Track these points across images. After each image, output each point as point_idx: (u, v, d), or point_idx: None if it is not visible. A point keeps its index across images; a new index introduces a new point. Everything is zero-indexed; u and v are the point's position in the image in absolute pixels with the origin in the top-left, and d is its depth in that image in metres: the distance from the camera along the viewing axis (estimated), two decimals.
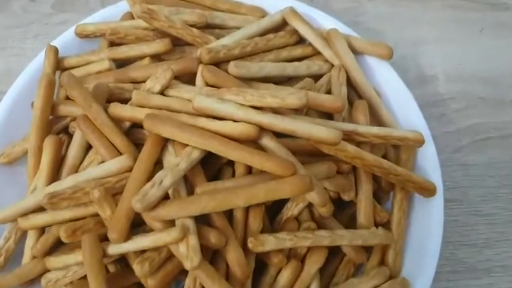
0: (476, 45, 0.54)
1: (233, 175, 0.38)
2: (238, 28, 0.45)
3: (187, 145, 0.35)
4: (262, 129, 0.36)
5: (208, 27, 0.45)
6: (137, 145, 0.39)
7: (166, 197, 0.34)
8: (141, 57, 0.43)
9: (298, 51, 0.45)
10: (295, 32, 0.46)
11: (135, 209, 0.32)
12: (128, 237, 0.34)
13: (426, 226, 0.40)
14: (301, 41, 0.46)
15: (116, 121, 0.38)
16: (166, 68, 0.38)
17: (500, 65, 0.53)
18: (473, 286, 0.43)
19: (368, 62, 0.46)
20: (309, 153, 0.39)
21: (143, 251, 0.34)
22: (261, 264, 0.37)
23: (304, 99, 0.35)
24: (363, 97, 0.43)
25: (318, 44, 0.45)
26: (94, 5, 0.55)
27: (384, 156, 0.42)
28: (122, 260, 0.37)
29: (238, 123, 0.35)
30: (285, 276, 0.37)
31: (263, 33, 0.44)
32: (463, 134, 0.49)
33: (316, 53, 0.46)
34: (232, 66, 0.39)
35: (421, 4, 0.56)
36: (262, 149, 0.36)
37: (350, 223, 0.41)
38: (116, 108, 0.37)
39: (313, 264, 0.37)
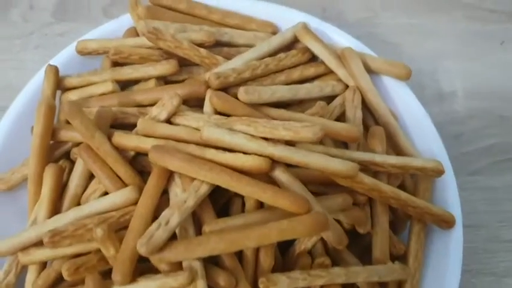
0: (497, 60, 0.51)
1: (243, 205, 0.36)
2: (247, 46, 0.43)
3: (195, 180, 0.34)
4: (274, 161, 0.34)
5: (216, 44, 0.42)
6: (142, 173, 0.37)
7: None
8: (146, 79, 0.40)
9: (310, 70, 0.43)
10: (307, 49, 0.43)
11: (140, 252, 0.30)
12: (133, 278, 0.32)
13: (445, 259, 0.38)
14: (313, 58, 0.44)
15: (121, 150, 0.36)
16: (173, 95, 0.36)
17: None
18: None
19: (384, 81, 0.43)
20: (322, 183, 0.37)
21: None
22: None
23: (320, 133, 0.33)
24: (379, 121, 0.41)
25: (332, 64, 0.42)
26: (96, 13, 0.52)
27: (402, 185, 0.40)
28: None
29: (250, 156, 0.33)
30: None
31: (274, 53, 0.42)
32: (482, 154, 0.47)
33: (330, 72, 0.43)
34: (242, 93, 0.36)
35: (439, 15, 0.53)
36: (274, 181, 0.35)
37: (365, 253, 0.39)
38: (120, 138, 0.35)
39: None
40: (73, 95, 0.41)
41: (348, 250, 0.38)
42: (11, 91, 0.44)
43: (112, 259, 0.33)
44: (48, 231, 0.33)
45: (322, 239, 0.37)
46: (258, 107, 0.38)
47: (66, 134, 0.38)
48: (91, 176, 0.37)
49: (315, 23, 0.45)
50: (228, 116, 0.36)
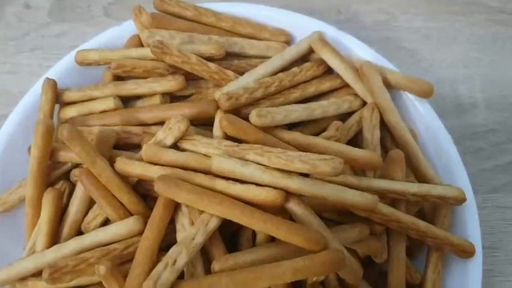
0: None
1: (253, 235, 0.34)
2: (259, 57, 0.40)
3: (203, 213, 0.31)
4: (288, 194, 0.32)
5: (225, 55, 0.40)
6: (146, 196, 0.35)
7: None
8: (151, 95, 0.38)
9: (326, 85, 0.40)
10: (323, 61, 0.40)
11: None
12: None
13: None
14: (329, 69, 0.41)
15: (123, 176, 0.34)
16: (181, 118, 0.33)
17: None
18: None
19: (403, 98, 0.41)
20: (338, 212, 0.35)
21: None
22: None
23: (339, 168, 0.30)
24: (398, 141, 0.39)
25: (350, 78, 0.40)
26: (96, 12, 0.49)
27: (420, 210, 0.38)
28: None
29: (263, 188, 0.31)
30: None
31: (288, 66, 0.39)
32: (502, 171, 0.45)
33: (346, 85, 0.41)
34: (254, 117, 0.34)
35: (461, 18, 0.50)
36: (287, 211, 0.33)
37: (379, 279, 0.37)
38: (124, 165, 0.33)
39: None
40: (72, 111, 0.38)
41: (363, 276, 0.36)
42: (7, 97, 0.41)
43: None
44: (48, 266, 0.31)
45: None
46: (271, 129, 0.35)
47: (65, 155, 0.36)
48: (91, 201, 0.35)
49: (331, 31, 0.42)
50: (239, 140, 0.34)
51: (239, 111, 0.36)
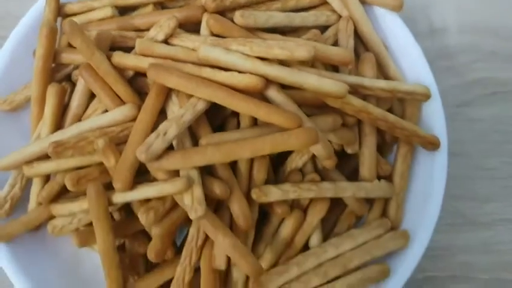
0: None
1: (238, 126, 0.38)
2: None
3: (192, 95, 0.35)
4: (268, 81, 0.35)
5: None
6: (140, 94, 0.38)
7: (170, 148, 0.34)
8: (144, 5, 0.41)
9: (306, 1, 0.43)
10: None
11: (140, 159, 0.32)
12: (132, 186, 0.34)
13: (429, 180, 0.40)
14: None
15: (120, 70, 0.37)
16: (170, 16, 0.37)
17: None
18: (473, 239, 0.44)
19: (376, 12, 0.44)
20: (314, 105, 0.39)
21: (147, 200, 0.35)
22: (263, 214, 0.38)
23: (313, 51, 0.34)
24: (370, 50, 0.42)
25: None
26: None
27: (390, 110, 0.41)
28: (127, 208, 0.38)
29: (245, 75, 0.35)
30: (287, 226, 0.38)
31: None
32: (470, 87, 0.49)
33: (324, 2, 0.44)
34: (238, 16, 0.38)
35: None
36: (268, 101, 0.36)
37: (353, 174, 0.41)
38: (119, 57, 0.37)
39: (316, 215, 0.38)
40: None
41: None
42: (10, 20, 0.44)
43: (112, 169, 0.35)
44: (52, 142, 0.35)
45: (312, 159, 0.39)
46: (253, 32, 0.39)
47: (67, 57, 0.40)
48: (91, 96, 0.39)
49: None
50: (224, 38, 0.37)
51: (224, 15, 0.39)
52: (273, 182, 0.38)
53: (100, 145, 0.34)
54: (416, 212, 0.40)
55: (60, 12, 0.42)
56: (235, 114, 0.38)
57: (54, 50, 0.39)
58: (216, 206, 0.36)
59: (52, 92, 0.38)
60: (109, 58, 0.37)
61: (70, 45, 0.41)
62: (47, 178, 0.38)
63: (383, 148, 0.42)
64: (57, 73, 0.40)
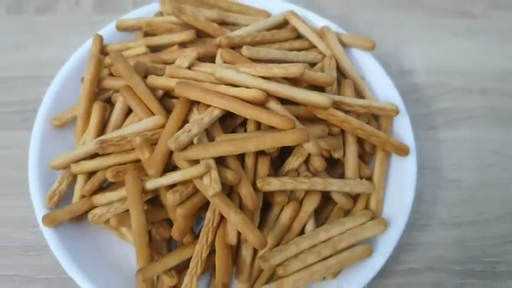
0: (450, 46, 0.64)
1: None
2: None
3: (209, 106, 0.45)
4: (269, 95, 0.45)
5: (223, 23, 0.55)
6: (167, 111, 0.48)
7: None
8: (170, 45, 0.52)
9: (297, 44, 0.55)
10: (294, 29, 0.55)
11: (170, 148, 0.41)
12: (162, 174, 0.43)
13: (402, 180, 0.49)
14: (299, 37, 0.56)
15: (152, 90, 0.47)
16: (193, 49, 0.48)
17: (470, 61, 0.63)
18: (443, 237, 0.51)
19: (353, 53, 0.55)
20: (306, 119, 0.48)
21: (173, 186, 0.43)
22: (266, 205, 0.46)
23: (302, 69, 0.44)
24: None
25: (314, 39, 0.54)
26: (128, 7, 0.65)
27: (367, 124, 0.51)
28: (154, 201, 0.46)
29: (251, 90, 0.44)
30: (286, 214, 0.46)
31: (269, 30, 0.54)
32: (436, 115, 0.59)
33: (312, 47, 0.55)
34: (244, 49, 0.48)
35: (404, 12, 0.66)
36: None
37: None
38: (153, 79, 0.47)
39: (310, 204, 0.46)
40: None
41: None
42: (58, 64, 0.54)
43: (146, 162, 0.43)
44: (98, 139, 0.44)
45: (305, 163, 0.48)
46: (256, 61, 0.49)
47: (108, 83, 0.50)
48: (127, 113, 0.48)
49: (301, 11, 0.57)
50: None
51: (234, 50, 0.50)
52: None
53: (138, 141, 0.43)
54: (393, 206, 0.48)
55: (102, 51, 0.53)
56: (243, 124, 0.47)
57: (99, 78, 0.50)
58: (228, 193, 0.44)
59: (97, 107, 0.48)
60: (144, 81, 0.47)
61: (110, 75, 0.51)
62: (89, 177, 0.47)
63: (364, 158, 0.51)
64: (99, 96, 0.50)
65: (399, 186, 0.49)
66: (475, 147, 0.57)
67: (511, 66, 0.62)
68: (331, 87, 0.50)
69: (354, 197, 0.49)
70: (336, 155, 0.48)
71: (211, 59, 0.50)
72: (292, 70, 0.44)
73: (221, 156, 0.43)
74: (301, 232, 0.46)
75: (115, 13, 0.62)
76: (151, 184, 0.43)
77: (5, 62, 0.61)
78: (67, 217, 0.45)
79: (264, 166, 0.45)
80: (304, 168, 0.48)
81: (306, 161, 0.48)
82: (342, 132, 0.49)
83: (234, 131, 0.47)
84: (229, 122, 0.47)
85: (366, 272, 0.45)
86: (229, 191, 0.44)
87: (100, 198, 0.45)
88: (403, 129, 0.51)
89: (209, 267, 0.45)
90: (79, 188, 0.47)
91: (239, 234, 0.43)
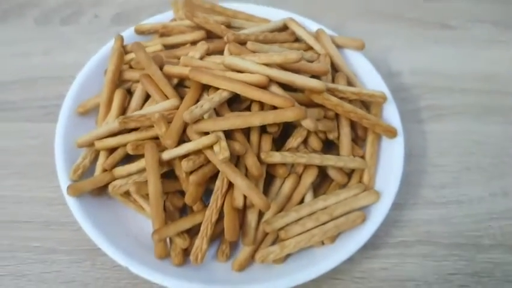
0: (433, 52, 0.71)
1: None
2: None
3: (218, 89, 0.51)
4: (271, 80, 0.51)
5: (229, 27, 0.62)
6: (181, 97, 0.54)
7: None
8: (183, 44, 0.59)
9: (295, 45, 0.61)
10: (293, 33, 0.62)
11: (185, 119, 0.47)
12: (177, 145, 0.48)
13: (391, 159, 0.54)
14: (297, 40, 0.63)
15: (168, 78, 0.53)
16: (203, 43, 0.55)
17: (451, 65, 0.70)
18: (432, 214, 0.56)
19: (345, 53, 0.62)
20: (305, 104, 0.54)
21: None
22: (270, 179, 0.51)
23: (300, 55, 0.51)
24: None
25: (310, 41, 0.61)
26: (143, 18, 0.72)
27: None
28: (168, 175, 0.51)
29: (255, 75, 0.50)
30: (287, 186, 0.51)
31: (270, 32, 0.61)
32: (422, 111, 0.65)
33: (309, 48, 0.62)
34: (249, 44, 0.55)
35: (392, 24, 0.74)
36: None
37: None
38: (169, 68, 0.53)
39: (308, 177, 0.51)
40: (132, 55, 0.59)
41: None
42: (79, 66, 0.61)
43: (162, 135, 0.49)
44: (121, 116, 0.49)
45: (304, 144, 0.54)
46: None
47: (128, 74, 0.56)
48: (146, 98, 0.54)
49: (299, 18, 0.64)
50: None
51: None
52: None
53: (156, 116, 0.49)
54: (383, 182, 0.53)
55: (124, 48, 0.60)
56: (248, 108, 0.53)
57: (120, 69, 0.56)
58: (235, 164, 0.50)
59: (118, 94, 0.54)
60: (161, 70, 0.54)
61: (130, 67, 0.57)
62: (109, 153, 0.52)
63: (356, 142, 0.57)
64: (120, 87, 0.56)
65: (389, 164, 0.54)
66: (458, 137, 0.62)
67: (486, 69, 0.69)
68: (326, 77, 0.56)
69: (349, 174, 0.54)
70: (331, 136, 0.54)
71: (219, 53, 0.57)
72: (291, 56, 0.51)
73: (229, 131, 0.49)
74: (301, 203, 0.51)
75: (132, 25, 0.69)
76: (167, 154, 0.48)
77: (32, 65, 0.67)
78: (89, 187, 0.50)
79: (266, 143, 0.51)
80: (303, 148, 0.53)
81: (305, 142, 0.53)
82: (337, 116, 0.55)
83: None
84: (235, 106, 0.53)
85: (361, 237, 0.49)
86: (236, 162, 0.50)
87: (120, 170, 0.50)
88: (391, 115, 0.57)
89: (218, 233, 0.50)
90: (101, 162, 0.52)
91: (245, 199, 0.48)
